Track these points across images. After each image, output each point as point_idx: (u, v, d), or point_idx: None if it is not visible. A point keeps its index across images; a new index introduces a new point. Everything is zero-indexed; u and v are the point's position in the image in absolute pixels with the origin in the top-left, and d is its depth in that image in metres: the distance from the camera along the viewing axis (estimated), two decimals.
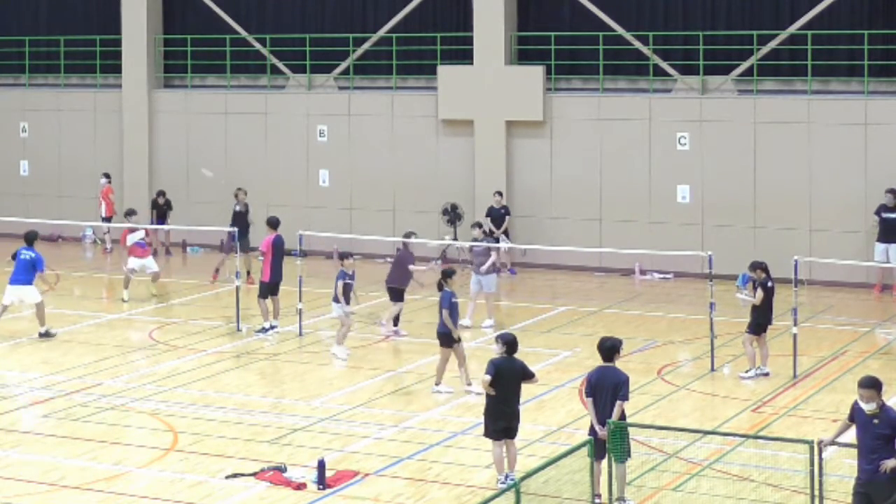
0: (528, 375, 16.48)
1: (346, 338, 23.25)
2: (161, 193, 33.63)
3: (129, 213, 29.14)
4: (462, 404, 20.26)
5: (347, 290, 23.18)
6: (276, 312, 25.18)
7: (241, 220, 29.93)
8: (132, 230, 28.43)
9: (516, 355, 16.53)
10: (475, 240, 25.96)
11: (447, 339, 20.57)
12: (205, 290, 29.23)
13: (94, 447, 18.25)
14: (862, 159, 29.05)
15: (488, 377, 16.31)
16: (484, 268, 25.35)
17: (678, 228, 30.35)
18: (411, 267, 24.62)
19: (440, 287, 20.96)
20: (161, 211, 33.33)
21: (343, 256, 23.72)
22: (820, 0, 29.91)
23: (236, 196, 30.81)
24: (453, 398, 20.49)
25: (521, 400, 16.74)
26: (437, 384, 20.74)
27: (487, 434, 16.54)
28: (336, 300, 23.20)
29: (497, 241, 30.57)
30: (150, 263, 28.45)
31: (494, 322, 25.44)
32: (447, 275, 21.05)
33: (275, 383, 22.03)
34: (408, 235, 25.64)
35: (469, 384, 20.54)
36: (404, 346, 23.97)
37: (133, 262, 28.18)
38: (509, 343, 16.43)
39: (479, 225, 26.82)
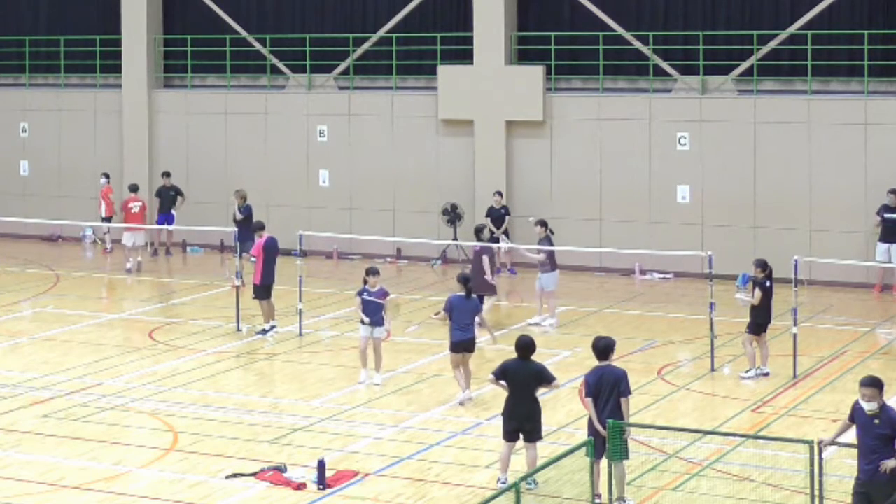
0: (545, 379, 16.47)
1: (381, 362, 21.51)
2: (166, 174, 33.51)
3: (133, 189, 31.91)
4: (462, 404, 20.25)
5: (371, 308, 21.25)
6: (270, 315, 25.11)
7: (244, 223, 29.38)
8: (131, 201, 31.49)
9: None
10: (540, 239, 25.84)
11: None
12: (205, 290, 29.24)
13: (94, 447, 18.25)
14: (862, 159, 29.05)
15: (492, 375, 16.61)
16: (546, 268, 25.56)
17: (678, 228, 30.35)
18: (486, 268, 24.59)
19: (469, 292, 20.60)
20: (167, 199, 33.12)
21: (369, 273, 21.42)
22: (820, 0, 29.92)
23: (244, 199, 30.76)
24: (453, 398, 20.47)
25: None
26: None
27: (503, 434, 16.57)
28: (361, 321, 21.31)
29: (497, 241, 30.61)
30: (139, 238, 31.32)
31: (557, 321, 25.70)
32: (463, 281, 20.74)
33: (275, 383, 22.04)
34: (479, 231, 25.30)
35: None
36: (404, 346, 23.95)
37: (126, 238, 31.27)
38: (522, 346, 16.46)
39: (544, 223, 26.07)
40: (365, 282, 21.38)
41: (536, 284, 25.91)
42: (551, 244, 25.75)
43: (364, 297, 21.31)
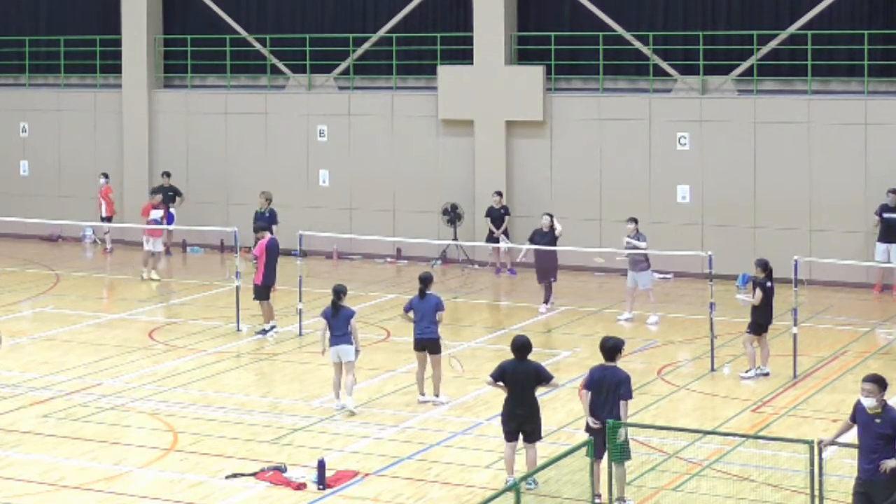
0: (543, 378, 16.44)
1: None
2: (166, 174, 33.45)
3: (155, 192, 31.42)
4: (462, 404, 20.26)
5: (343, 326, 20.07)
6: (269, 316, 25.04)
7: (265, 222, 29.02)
8: (154, 206, 30.40)
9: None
10: (629, 236, 25.90)
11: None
12: (205, 290, 29.23)
13: (94, 447, 18.25)
14: (862, 159, 29.05)
15: (489, 378, 16.60)
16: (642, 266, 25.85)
17: (678, 228, 30.35)
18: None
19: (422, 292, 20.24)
20: (166, 198, 33.05)
21: (344, 293, 20.11)
22: (820, 0, 29.92)
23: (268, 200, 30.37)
24: (453, 398, 20.47)
25: None
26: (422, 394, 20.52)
27: (504, 434, 16.58)
28: (351, 342, 19.89)
29: (497, 241, 30.63)
30: (157, 245, 30.33)
31: (658, 318, 25.82)
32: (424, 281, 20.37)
33: (275, 383, 22.03)
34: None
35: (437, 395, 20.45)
36: (404, 346, 23.94)
37: (148, 243, 30.25)
38: (518, 347, 16.45)
39: (635, 220, 26.13)
40: (340, 300, 19.88)
41: (628, 282, 26.08)
42: (645, 241, 25.83)
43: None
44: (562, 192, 31.45)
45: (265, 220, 28.00)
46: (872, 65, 29.42)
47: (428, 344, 20.12)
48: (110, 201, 34.04)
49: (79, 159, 36.43)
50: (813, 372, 22.10)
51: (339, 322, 19.79)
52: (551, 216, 27.09)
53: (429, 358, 20.18)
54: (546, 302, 26.88)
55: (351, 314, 19.87)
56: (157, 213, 30.33)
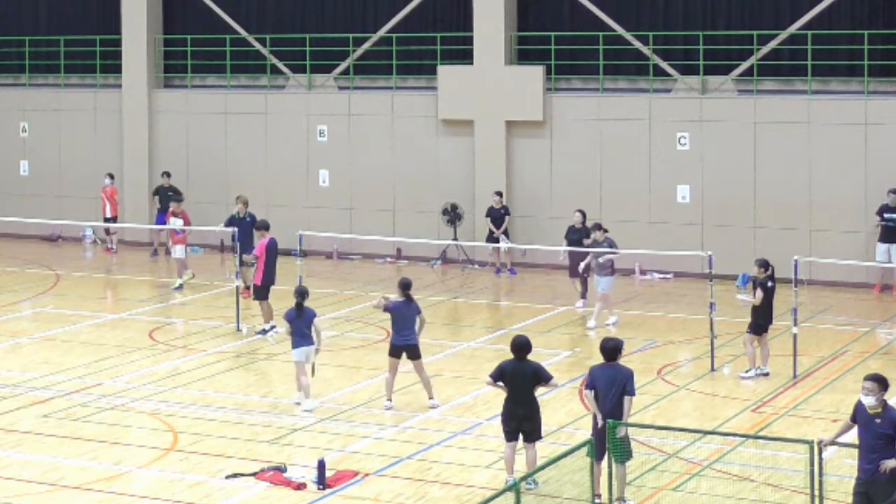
0: (542, 378, 16.43)
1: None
2: (166, 174, 33.38)
3: (155, 193, 31.26)
4: (462, 404, 20.27)
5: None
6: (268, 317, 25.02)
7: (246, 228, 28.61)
8: (174, 214, 29.61)
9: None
10: (595, 241, 25.83)
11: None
12: (205, 290, 29.22)
13: (94, 447, 18.26)
14: (862, 159, 29.05)
15: (489, 378, 16.64)
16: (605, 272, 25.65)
17: (678, 228, 30.35)
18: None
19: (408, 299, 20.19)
20: (166, 199, 32.99)
21: (307, 295, 20.46)
22: (820, 0, 29.92)
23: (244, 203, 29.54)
24: (453, 397, 20.48)
25: None
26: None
27: (504, 434, 16.56)
28: (313, 342, 20.21)
29: (497, 241, 30.64)
30: (180, 251, 29.44)
31: (617, 319, 25.76)
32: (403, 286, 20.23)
33: (275, 383, 22.02)
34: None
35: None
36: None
37: (178, 250, 29.50)
38: (517, 346, 16.45)
39: (600, 226, 26.05)
40: (304, 301, 20.18)
41: (596, 286, 25.99)
42: (615, 246, 25.77)
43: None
44: (562, 192, 31.45)
45: (247, 226, 27.22)
46: (872, 65, 29.42)
47: (409, 349, 20.05)
48: (115, 202, 34.00)
49: (79, 159, 36.43)
50: (813, 372, 22.10)
51: (303, 323, 20.05)
52: (583, 213, 27.21)
53: (412, 364, 20.12)
54: (583, 297, 27.07)
55: (313, 315, 20.19)
56: (177, 222, 29.58)
